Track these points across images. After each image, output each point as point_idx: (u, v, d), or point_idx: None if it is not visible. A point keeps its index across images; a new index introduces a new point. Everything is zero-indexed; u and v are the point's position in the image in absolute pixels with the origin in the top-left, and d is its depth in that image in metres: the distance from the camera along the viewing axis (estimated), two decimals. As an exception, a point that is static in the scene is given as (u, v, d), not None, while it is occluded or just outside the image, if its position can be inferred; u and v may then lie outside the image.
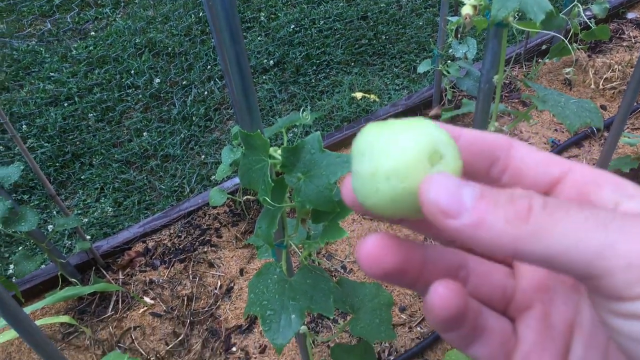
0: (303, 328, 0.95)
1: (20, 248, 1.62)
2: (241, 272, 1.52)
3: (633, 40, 2.16)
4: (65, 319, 1.31)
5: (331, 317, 1.34)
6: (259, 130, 0.62)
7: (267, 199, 0.60)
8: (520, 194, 0.20)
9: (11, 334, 1.11)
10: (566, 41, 1.03)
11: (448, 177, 0.20)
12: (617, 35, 2.19)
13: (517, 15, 0.73)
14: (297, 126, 1.84)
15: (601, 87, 1.95)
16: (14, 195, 1.78)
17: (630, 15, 2.29)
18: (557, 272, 0.20)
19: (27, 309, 1.22)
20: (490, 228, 0.19)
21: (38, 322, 1.20)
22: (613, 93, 1.93)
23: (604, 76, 1.97)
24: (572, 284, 0.24)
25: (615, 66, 1.97)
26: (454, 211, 0.19)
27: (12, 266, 1.54)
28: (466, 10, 0.58)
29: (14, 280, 1.45)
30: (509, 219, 0.19)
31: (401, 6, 2.52)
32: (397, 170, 0.20)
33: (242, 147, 0.59)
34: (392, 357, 1.30)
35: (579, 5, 1.34)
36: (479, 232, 0.19)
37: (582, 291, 0.24)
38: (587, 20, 1.35)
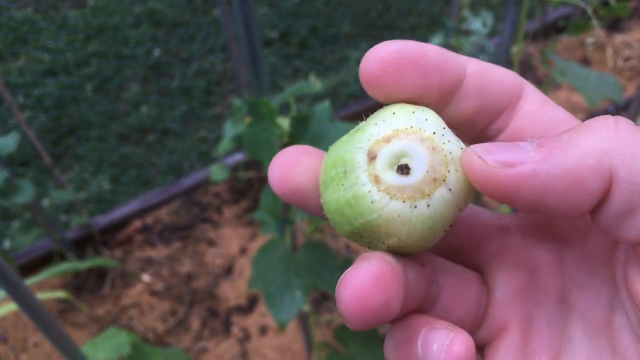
0: (306, 307, 0.91)
1: (16, 222, 1.58)
2: (242, 250, 1.48)
3: (652, 18, 2.08)
4: (61, 294, 1.27)
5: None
6: (266, 98, 0.57)
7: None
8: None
9: (6, 308, 1.07)
10: (591, 10, 0.96)
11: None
12: (637, 14, 2.11)
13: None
14: (304, 98, 1.77)
15: (619, 66, 1.88)
16: (9, 168, 1.73)
17: (650, -8, 2.20)
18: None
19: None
20: (561, 162, 0.17)
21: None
22: (632, 73, 1.86)
23: (623, 54, 1.90)
24: (558, 293, 0.21)
25: (635, 45, 1.90)
26: (514, 158, 0.17)
27: (7, 241, 1.50)
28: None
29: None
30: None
31: (411, -21, 2.43)
32: None
33: (248, 117, 0.54)
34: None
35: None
36: (548, 165, 0.17)
37: (571, 303, 0.20)
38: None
